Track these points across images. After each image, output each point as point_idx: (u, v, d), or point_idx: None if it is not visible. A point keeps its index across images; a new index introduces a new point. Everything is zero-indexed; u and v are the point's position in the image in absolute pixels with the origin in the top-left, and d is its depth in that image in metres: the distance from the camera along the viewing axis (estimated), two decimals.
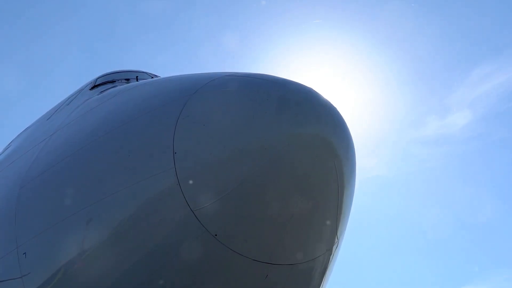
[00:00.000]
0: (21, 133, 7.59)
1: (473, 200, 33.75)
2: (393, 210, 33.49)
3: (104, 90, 6.34)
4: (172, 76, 5.07)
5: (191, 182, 3.45)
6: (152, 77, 7.49)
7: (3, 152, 7.24)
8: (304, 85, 3.89)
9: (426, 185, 32.32)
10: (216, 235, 3.40)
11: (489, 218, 32.71)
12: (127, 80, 7.21)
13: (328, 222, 3.72)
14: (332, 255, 3.97)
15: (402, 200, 33.57)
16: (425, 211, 32.25)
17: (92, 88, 7.05)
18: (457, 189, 33.57)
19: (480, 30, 30.81)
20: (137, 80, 7.00)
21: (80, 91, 7.26)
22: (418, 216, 31.92)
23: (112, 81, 7.21)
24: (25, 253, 4.14)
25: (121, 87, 5.80)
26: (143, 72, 7.87)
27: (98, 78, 7.49)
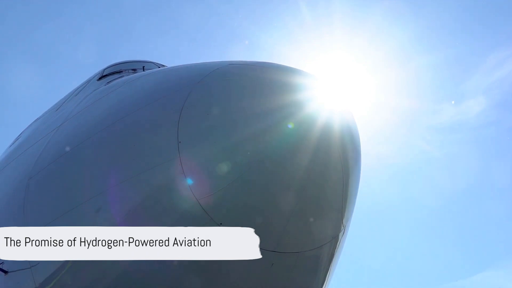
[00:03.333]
0: (30, 124, 7.69)
1: (488, 188, 33.50)
2: (409, 197, 33.41)
3: (111, 81, 6.38)
4: (177, 66, 5.07)
5: (196, 171, 3.45)
6: (159, 67, 7.51)
7: (13, 143, 7.33)
8: (308, 72, 3.86)
9: (441, 172, 32.07)
10: (221, 223, 3.40)
11: (503, 206, 32.46)
12: (134, 70, 7.25)
13: (333, 210, 3.70)
14: (338, 242, 3.96)
15: (417, 187, 33.43)
16: (440, 198, 32.16)
17: (100, 78, 7.10)
18: (472, 176, 33.30)
19: (496, 16, 30.23)
20: (143, 70, 7.02)
21: (88, 81, 7.33)
22: (433, 203, 31.77)
23: (119, 72, 7.26)
24: None
25: (127, 77, 5.82)
26: (149, 62, 7.91)
27: (106, 68, 7.55)
